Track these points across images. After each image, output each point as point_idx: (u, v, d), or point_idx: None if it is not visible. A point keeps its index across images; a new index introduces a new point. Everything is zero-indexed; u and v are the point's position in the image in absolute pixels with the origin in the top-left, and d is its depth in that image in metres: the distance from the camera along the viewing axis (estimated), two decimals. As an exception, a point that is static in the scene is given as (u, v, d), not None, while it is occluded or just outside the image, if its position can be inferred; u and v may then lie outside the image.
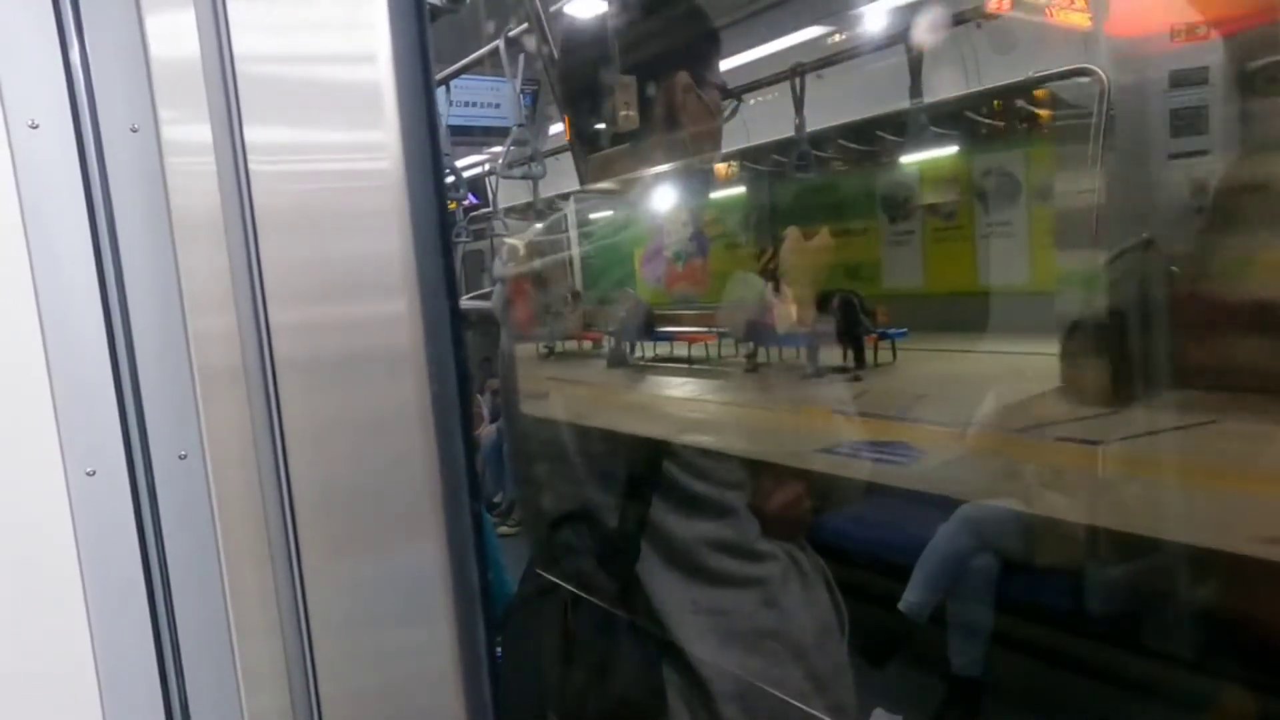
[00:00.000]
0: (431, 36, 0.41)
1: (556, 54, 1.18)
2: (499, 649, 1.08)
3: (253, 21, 0.49)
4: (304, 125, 0.50)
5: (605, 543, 0.97)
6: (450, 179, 3.77)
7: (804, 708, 0.95)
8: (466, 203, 5.33)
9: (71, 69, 0.60)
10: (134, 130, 0.62)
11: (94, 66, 0.61)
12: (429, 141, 0.41)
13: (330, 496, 0.53)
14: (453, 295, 0.42)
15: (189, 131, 0.55)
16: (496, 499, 5.17)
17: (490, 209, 5.62)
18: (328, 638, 0.54)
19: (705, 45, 1.04)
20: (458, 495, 0.42)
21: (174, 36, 0.54)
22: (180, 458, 0.65)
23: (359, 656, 0.54)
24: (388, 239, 0.42)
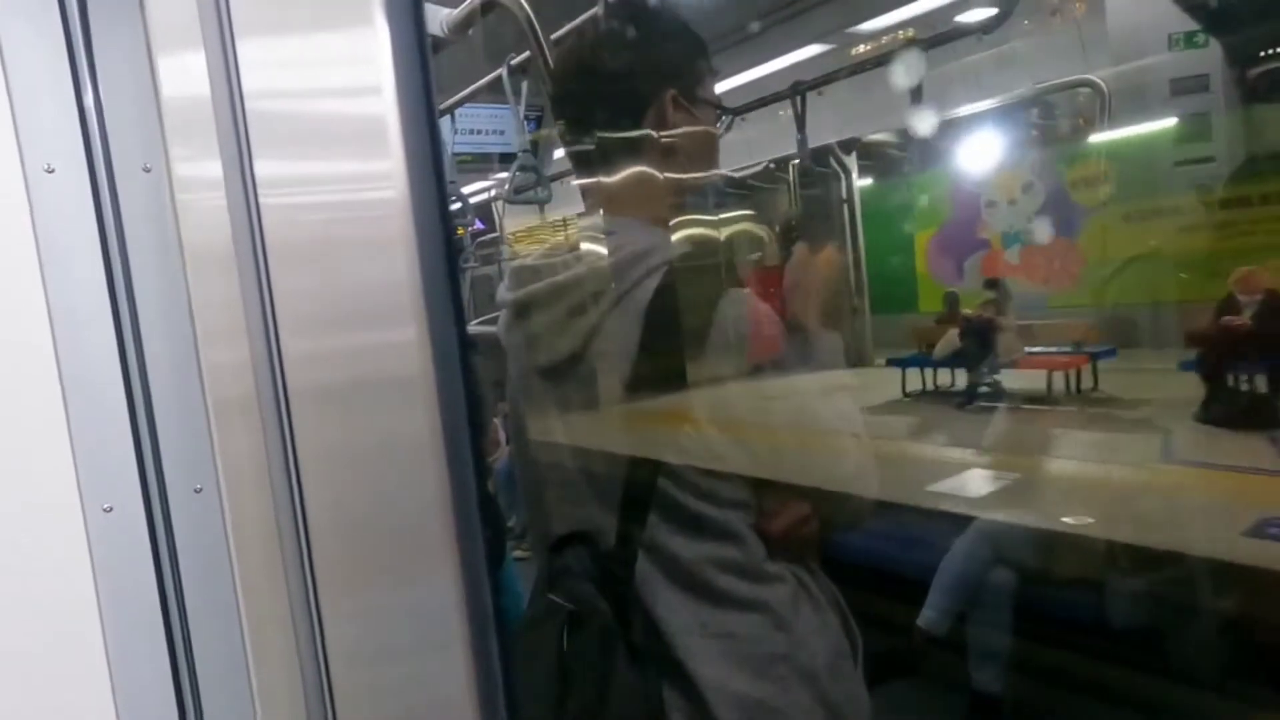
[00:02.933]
0: (433, 66, 0.42)
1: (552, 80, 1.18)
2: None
3: (261, 59, 0.50)
4: (312, 158, 0.51)
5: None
6: (457, 205, 3.81)
7: None
8: (474, 228, 5.35)
9: (85, 113, 0.62)
10: (146, 170, 0.64)
11: (107, 110, 0.62)
12: (433, 169, 0.42)
13: (344, 527, 0.53)
14: (461, 322, 0.43)
15: (200, 169, 0.56)
16: (510, 523, 5.15)
17: (497, 234, 5.66)
18: (344, 667, 0.54)
19: (698, 63, 1.05)
20: (470, 521, 0.43)
21: (185, 77, 0.55)
22: (196, 491, 0.66)
23: (375, 686, 0.54)
24: (395, 267, 0.43)
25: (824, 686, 0.96)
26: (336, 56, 0.46)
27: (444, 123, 3.33)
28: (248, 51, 0.50)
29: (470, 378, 0.42)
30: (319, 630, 0.53)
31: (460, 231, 5.17)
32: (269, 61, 0.51)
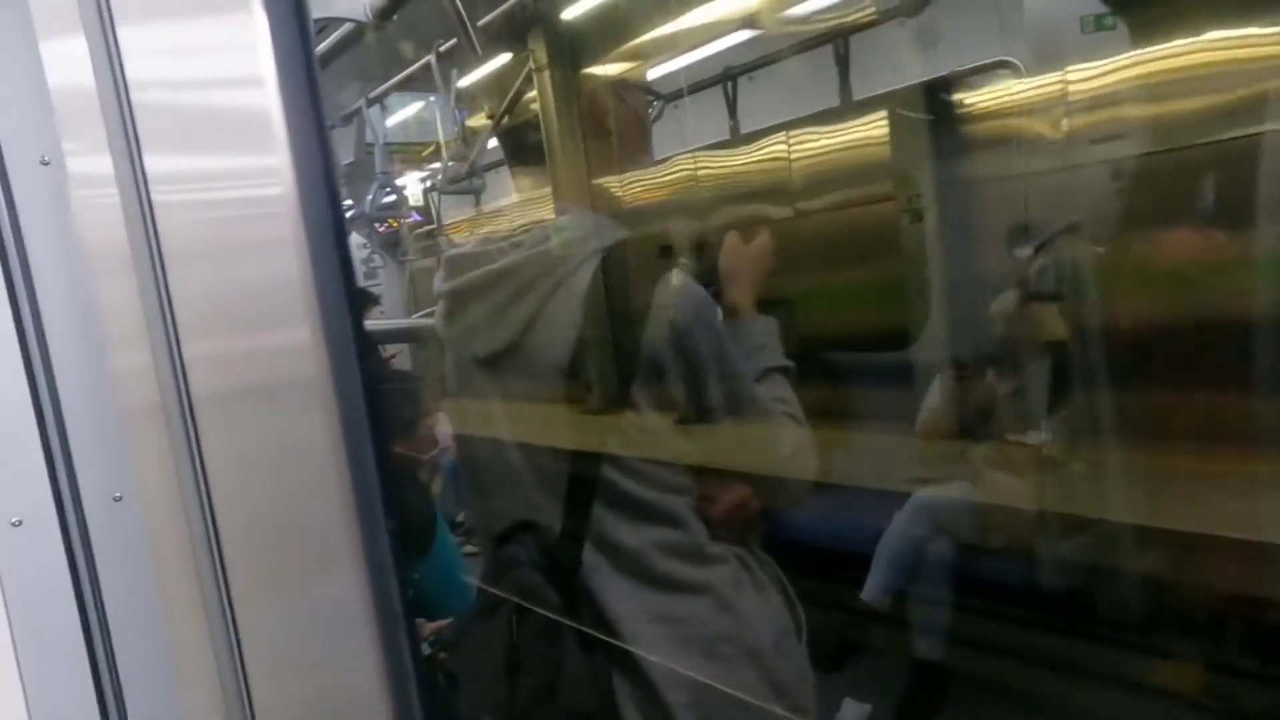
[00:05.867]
0: (315, 56, 0.40)
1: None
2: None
3: (142, 47, 0.48)
4: (200, 153, 0.48)
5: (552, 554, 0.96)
6: (392, 198, 3.72)
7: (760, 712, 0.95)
8: (410, 220, 5.22)
9: (-33, 102, 0.58)
10: (44, 163, 0.60)
11: (-7, 99, 0.58)
12: (322, 164, 0.40)
13: (253, 531, 0.52)
14: (356, 318, 0.41)
15: (93, 163, 0.53)
16: (459, 518, 5.08)
17: (435, 225, 5.54)
18: (261, 671, 0.52)
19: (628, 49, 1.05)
20: (373, 519, 0.42)
21: (70, 64, 0.52)
22: (115, 500, 0.63)
23: (290, 683, 0.53)
24: (286, 265, 0.41)
25: (768, 665, 0.97)
26: (216, 45, 0.44)
27: (373, 112, 3.25)
28: (129, 39, 0.47)
29: (368, 375, 0.41)
30: (237, 644, 0.52)
31: (393, 224, 5.03)
32: (150, 49, 0.48)
